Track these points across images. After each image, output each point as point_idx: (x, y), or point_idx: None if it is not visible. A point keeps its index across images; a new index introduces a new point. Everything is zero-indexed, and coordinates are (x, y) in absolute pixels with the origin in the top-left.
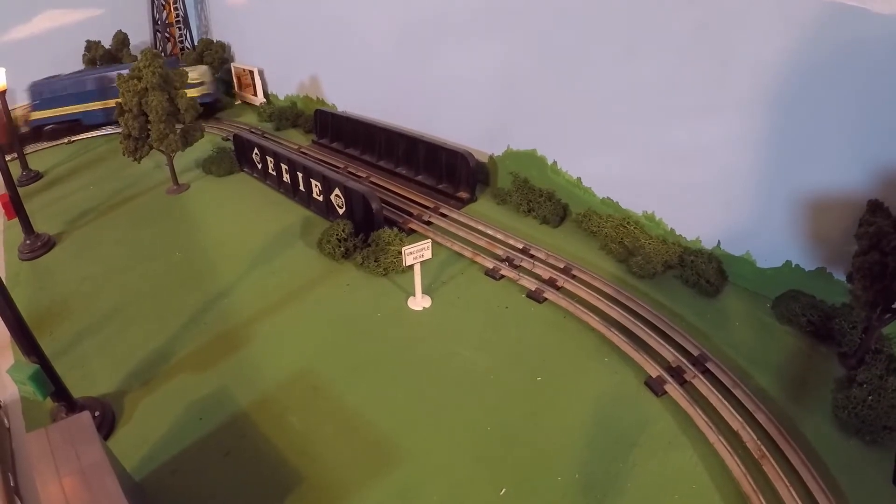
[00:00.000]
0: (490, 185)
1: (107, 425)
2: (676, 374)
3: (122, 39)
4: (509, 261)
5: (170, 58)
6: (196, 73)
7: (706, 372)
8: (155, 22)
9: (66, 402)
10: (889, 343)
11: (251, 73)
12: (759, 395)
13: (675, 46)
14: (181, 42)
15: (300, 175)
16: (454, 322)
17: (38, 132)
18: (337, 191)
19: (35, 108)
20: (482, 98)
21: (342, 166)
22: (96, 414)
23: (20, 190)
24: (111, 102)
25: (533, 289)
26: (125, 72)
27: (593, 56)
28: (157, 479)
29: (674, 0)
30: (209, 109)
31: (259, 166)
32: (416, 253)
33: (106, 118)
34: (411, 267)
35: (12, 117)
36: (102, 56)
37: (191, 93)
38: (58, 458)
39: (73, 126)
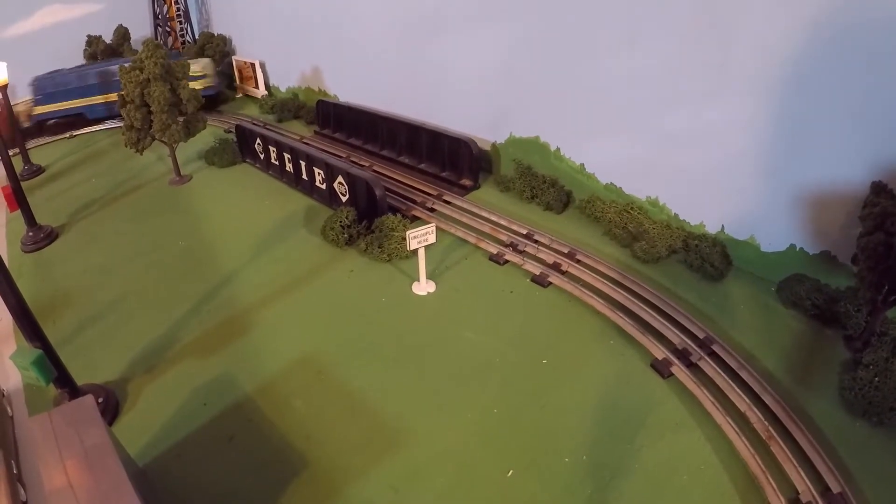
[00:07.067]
0: (493, 173)
1: (110, 412)
2: (682, 356)
3: (122, 34)
4: (513, 246)
5: (171, 51)
6: (199, 65)
7: (712, 354)
8: (156, 16)
9: (70, 388)
10: (894, 326)
11: (252, 65)
12: (765, 378)
13: (678, 29)
14: (182, 36)
15: (303, 164)
16: (459, 306)
17: (41, 127)
18: (340, 178)
19: (38, 102)
20: (484, 85)
21: (345, 156)
22: (100, 400)
23: (22, 184)
24: (113, 96)
25: (537, 273)
26: (127, 64)
27: (595, 41)
28: (161, 464)
29: None
30: (211, 102)
31: (261, 156)
32: (421, 237)
33: (109, 112)
34: (415, 252)
35: (15, 113)
36: (104, 51)
37: (194, 85)
38: (60, 441)
39: (75, 120)
